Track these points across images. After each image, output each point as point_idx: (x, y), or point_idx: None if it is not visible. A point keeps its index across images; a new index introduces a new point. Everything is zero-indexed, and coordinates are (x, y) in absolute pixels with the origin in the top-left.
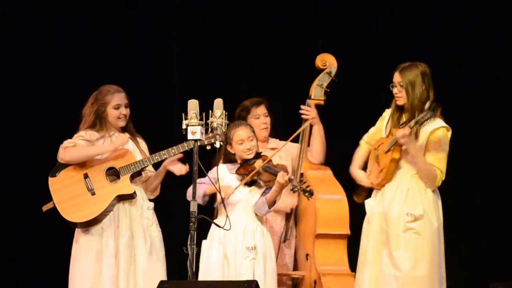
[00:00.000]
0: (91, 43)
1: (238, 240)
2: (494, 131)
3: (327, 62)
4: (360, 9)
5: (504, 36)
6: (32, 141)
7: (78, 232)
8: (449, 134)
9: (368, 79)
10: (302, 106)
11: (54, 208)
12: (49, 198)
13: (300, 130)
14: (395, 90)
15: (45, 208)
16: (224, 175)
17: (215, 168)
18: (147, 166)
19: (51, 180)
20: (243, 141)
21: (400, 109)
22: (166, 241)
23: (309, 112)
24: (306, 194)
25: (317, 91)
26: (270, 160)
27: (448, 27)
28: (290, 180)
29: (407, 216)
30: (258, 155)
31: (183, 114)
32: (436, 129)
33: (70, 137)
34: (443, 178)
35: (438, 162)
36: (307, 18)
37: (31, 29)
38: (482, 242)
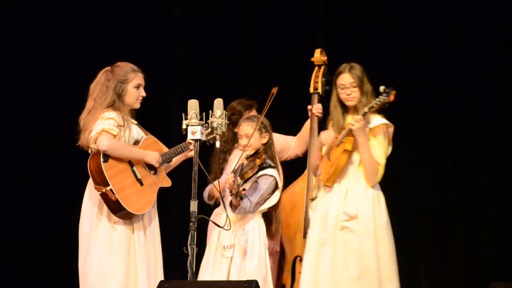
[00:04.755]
0: (91, 42)
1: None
2: (494, 132)
3: (325, 56)
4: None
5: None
6: None
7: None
8: (391, 130)
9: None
10: (315, 105)
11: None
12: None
13: (264, 110)
14: (347, 92)
15: (100, 190)
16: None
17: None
18: (176, 156)
19: (105, 165)
20: (241, 137)
21: (346, 111)
22: (166, 241)
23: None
24: (237, 197)
25: (323, 87)
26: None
27: (447, 27)
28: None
29: (343, 215)
30: (256, 153)
31: (183, 114)
32: (377, 126)
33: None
34: (382, 174)
35: (378, 158)
36: (307, 18)
37: None
38: (482, 242)
